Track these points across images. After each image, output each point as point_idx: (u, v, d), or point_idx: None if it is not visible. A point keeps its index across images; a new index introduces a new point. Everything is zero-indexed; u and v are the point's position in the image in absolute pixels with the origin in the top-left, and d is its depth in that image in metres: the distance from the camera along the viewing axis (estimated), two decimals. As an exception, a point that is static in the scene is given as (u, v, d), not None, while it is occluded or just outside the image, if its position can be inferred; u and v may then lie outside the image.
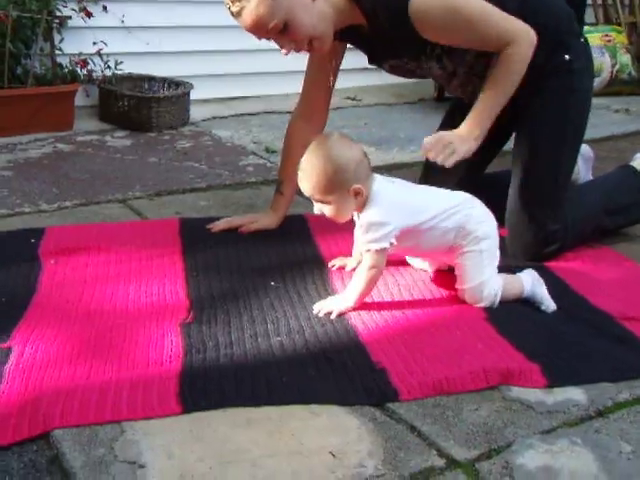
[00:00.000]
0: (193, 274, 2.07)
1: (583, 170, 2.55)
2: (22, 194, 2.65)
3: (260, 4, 1.89)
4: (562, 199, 2.20)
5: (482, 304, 1.92)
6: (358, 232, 1.91)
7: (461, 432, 1.48)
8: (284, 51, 1.99)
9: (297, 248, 2.25)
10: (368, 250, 1.86)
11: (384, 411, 1.53)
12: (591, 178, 2.54)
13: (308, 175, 1.85)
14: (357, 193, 1.84)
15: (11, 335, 1.72)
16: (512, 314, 1.90)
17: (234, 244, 2.26)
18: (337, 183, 1.83)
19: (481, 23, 1.98)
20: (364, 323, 1.82)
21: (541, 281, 1.98)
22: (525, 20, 2.07)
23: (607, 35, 4.79)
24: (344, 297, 1.90)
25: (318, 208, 1.91)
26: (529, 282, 1.96)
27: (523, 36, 2.00)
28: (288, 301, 1.93)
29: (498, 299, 1.93)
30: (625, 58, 4.75)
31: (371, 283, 1.88)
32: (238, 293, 1.97)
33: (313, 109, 2.32)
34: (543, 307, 1.94)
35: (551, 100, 2.17)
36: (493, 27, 1.99)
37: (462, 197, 1.95)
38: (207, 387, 1.56)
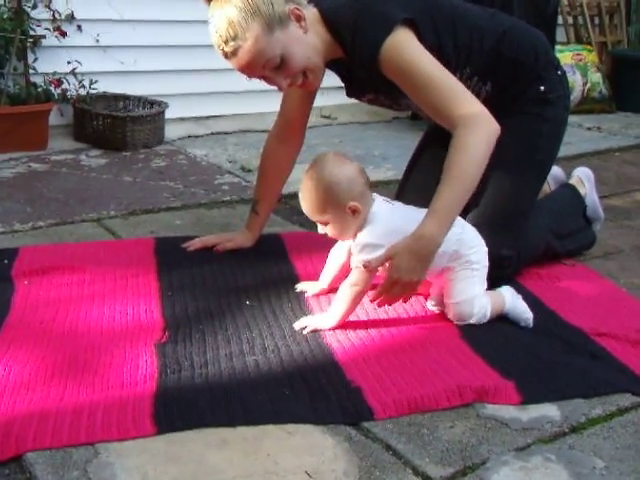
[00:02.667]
0: (168, 293, 2.06)
1: (589, 190, 2.52)
2: (-5, 214, 2.63)
3: (257, 40, 1.85)
4: (520, 226, 2.19)
5: (472, 320, 1.92)
6: (352, 250, 1.91)
7: (436, 450, 1.48)
8: (283, 86, 1.97)
9: (273, 267, 2.26)
10: (357, 267, 1.87)
11: (359, 430, 1.53)
12: (596, 198, 2.53)
13: (303, 196, 1.89)
14: (354, 211, 1.86)
15: (-17, 357, 1.71)
16: (486, 332, 1.91)
17: (209, 263, 2.26)
18: (329, 201, 1.85)
19: (435, 88, 1.90)
20: (339, 342, 1.83)
21: (519, 295, 2.00)
22: (502, 56, 2.11)
23: (578, 54, 4.86)
24: (328, 315, 1.90)
25: (321, 228, 1.94)
26: (509, 297, 1.98)
27: (480, 122, 1.88)
28: (263, 320, 1.93)
29: (488, 316, 1.94)
30: (596, 76, 4.83)
31: (354, 302, 1.89)
32: (213, 312, 1.96)
33: (290, 130, 2.32)
34: (523, 323, 1.96)
35: (522, 127, 2.17)
36: (446, 97, 1.90)
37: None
38: (182, 407, 1.55)
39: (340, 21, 1.97)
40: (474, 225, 2.04)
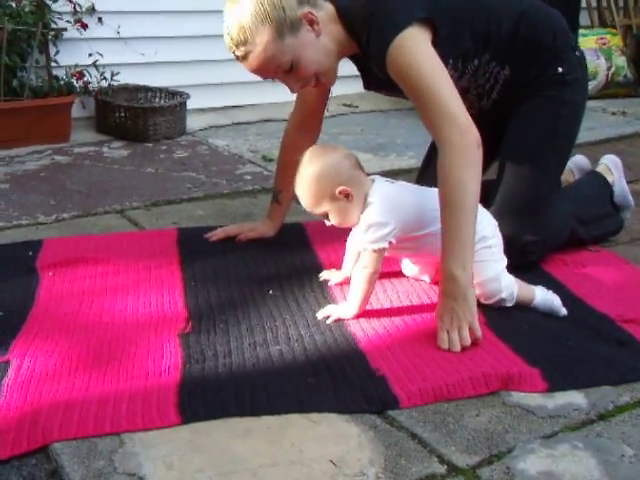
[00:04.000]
0: (191, 284, 2.07)
1: (617, 177, 2.48)
2: (20, 206, 2.64)
3: (267, 47, 1.84)
4: (543, 211, 2.17)
5: (502, 294, 1.91)
6: (358, 233, 1.91)
7: (462, 438, 1.47)
8: (295, 89, 1.98)
9: (295, 256, 2.25)
10: (365, 249, 1.86)
11: (384, 419, 1.52)
12: (625, 186, 2.49)
13: (299, 195, 1.91)
14: (346, 195, 1.85)
15: (9, 348, 1.72)
16: (511, 319, 1.90)
17: (232, 253, 2.26)
18: (319, 192, 1.86)
19: (430, 100, 1.84)
20: (363, 331, 1.82)
21: (554, 295, 1.96)
22: (520, 38, 2.08)
23: (602, 38, 4.80)
24: (348, 304, 1.90)
25: (326, 221, 1.94)
26: (540, 292, 1.96)
27: (459, 145, 1.80)
28: (287, 309, 1.92)
29: (515, 295, 1.92)
30: (620, 60, 4.76)
31: (369, 284, 1.87)
32: (236, 302, 1.96)
33: (308, 119, 2.31)
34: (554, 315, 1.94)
35: (541, 109, 2.15)
36: (437, 114, 1.84)
37: None
38: (206, 397, 1.56)
39: (355, 18, 1.95)
40: (496, 212, 2.03)
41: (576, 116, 2.23)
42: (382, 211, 1.86)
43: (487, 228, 1.94)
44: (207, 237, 2.35)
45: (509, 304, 1.93)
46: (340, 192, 1.85)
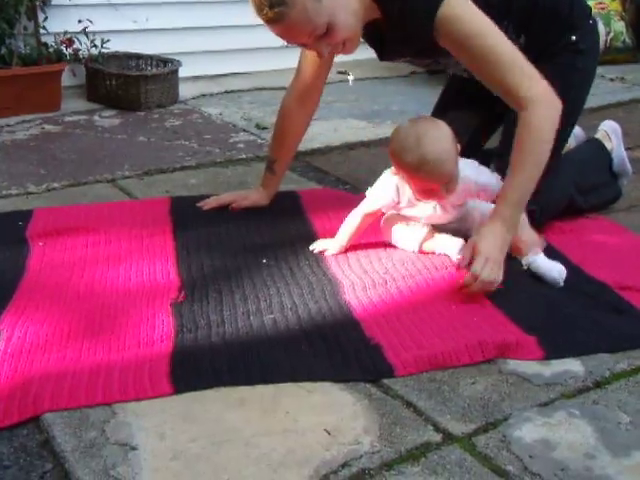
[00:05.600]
0: (184, 253, 2.04)
1: (616, 145, 2.47)
2: (9, 176, 2.61)
3: (305, 8, 1.75)
4: (544, 178, 2.15)
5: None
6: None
7: (457, 406, 1.46)
8: (325, 53, 1.90)
9: (289, 225, 2.22)
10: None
11: (379, 387, 1.51)
12: (623, 153, 2.47)
13: (440, 157, 1.84)
14: None
15: (0, 319, 1.69)
16: (508, 287, 1.87)
17: (225, 222, 2.23)
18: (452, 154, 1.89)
19: (499, 64, 1.86)
20: (358, 299, 1.80)
21: (558, 267, 1.94)
22: (539, 7, 2.05)
23: (601, 3, 4.73)
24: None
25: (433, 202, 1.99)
26: (543, 256, 1.96)
27: (538, 97, 1.86)
28: (281, 278, 1.90)
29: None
30: (619, 25, 4.70)
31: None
32: (230, 271, 1.94)
33: (308, 91, 2.26)
34: (550, 282, 1.92)
35: (553, 76, 2.11)
36: (510, 75, 1.86)
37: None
38: (199, 367, 1.54)
39: None
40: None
41: (586, 84, 2.22)
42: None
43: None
44: (200, 206, 2.32)
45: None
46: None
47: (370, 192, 2.02)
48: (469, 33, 1.84)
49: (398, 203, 1.99)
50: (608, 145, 2.45)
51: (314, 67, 2.21)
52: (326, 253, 2.04)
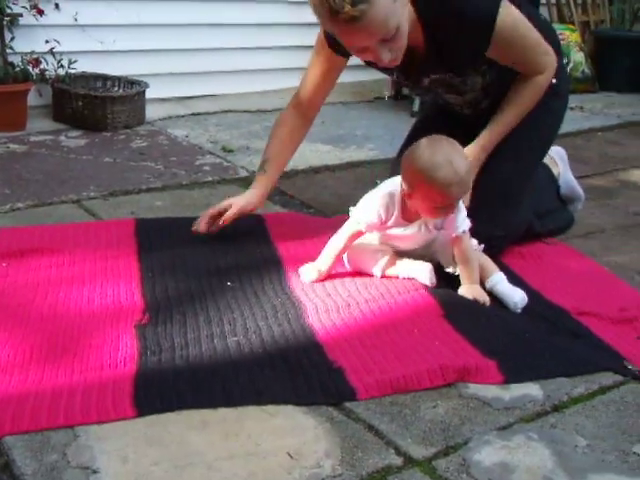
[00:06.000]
0: (149, 275, 2.04)
1: (563, 170, 2.55)
2: (-27, 195, 2.59)
3: (385, 6, 1.77)
4: (514, 208, 2.21)
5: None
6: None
7: (418, 430, 1.47)
8: (386, 60, 1.91)
9: (254, 248, 2.23)
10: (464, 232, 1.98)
11: (341, 410, 1.52)
12: (571, 177, 2.55)
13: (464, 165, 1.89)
14: None
15: (-39, 340, 1.68)
16: (469, 311, 1.91)
17: (191, 244, 2.23)
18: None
19: (532, 50, 2.09)
20: (321, 322, 1.81)
21: (518, 293, 1.98)
22: None
23: (561, 34, 4.82)
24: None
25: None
26: (501, 275, 2.00)
27: (552, 65, 2.14)
28: (245, 301, 1.91)
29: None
30: (579, 56, 4.82)
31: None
32: (194, 294, 1.94)
33: (309, 107, 2.30)
34: (512, 306, 1.95)
35: (528, 114, 2.19)
36: (540, 56, 2.11)
37: None
38: (162, 389, 1.54)
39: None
40: (473, 205, 2.07)
41: (557, 125, 2.34)
42: None
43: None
44: (194, 231, 2.25)
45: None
46: None
47: (355, 212, 2.00)
48: (522, 26, 2.04)
49: (385, 222, 1.99)
50: (555, 170, 2.52)
51: (319, 90, 2.25)
52: (308, 280, 2.02)
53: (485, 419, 1.52)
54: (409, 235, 2.01)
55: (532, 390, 1.63)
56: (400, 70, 2.15)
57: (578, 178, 2.65)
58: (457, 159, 1.86)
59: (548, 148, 2.37)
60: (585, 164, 3.27)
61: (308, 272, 2.03)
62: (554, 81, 2.21)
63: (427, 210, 1.93)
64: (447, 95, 2.25)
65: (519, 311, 1.94)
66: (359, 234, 2.02)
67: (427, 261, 2.03)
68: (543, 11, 4.86)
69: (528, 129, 2.19)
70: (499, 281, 1.98)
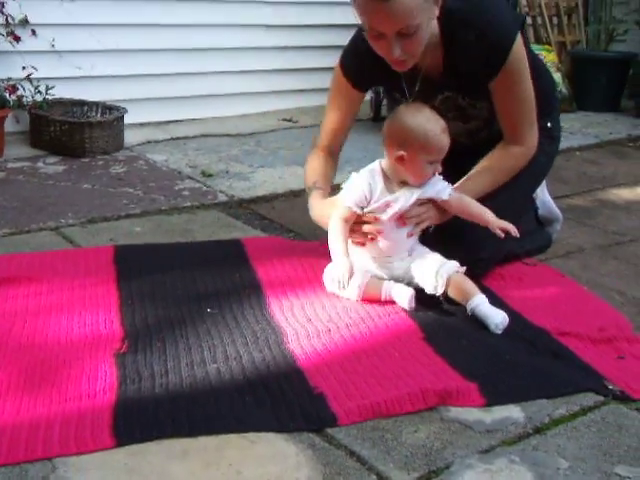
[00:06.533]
0: (128, 302, 2.03)
1: (540, 192, 2.57)
2: (-51, 224, 2.57)
3: None
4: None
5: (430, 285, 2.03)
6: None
7: (400, 455, 1.47)
8: (396, 54, 1.97)
9: (234, 274, 2.23)
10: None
11: (323, 437, 1.51)
12: (549, 199, 2.59)
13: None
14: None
15: (-64, 371, 1.66)
16: (449, 333, 1.91)
17: (170, 271, 2.22)
18: None
19: (526, 105, 2.13)
20: (302, 348, 1.81)
21: (499, 314, 1.97)
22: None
23: (538, 54, 4.88)
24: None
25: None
26: (481, 296, 2.00)
27: (533, 145, 2.18)
28: (225, 327, 1.90)
29: (443, 280, 2.01)
30: (556, 76, 4.86)
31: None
32: (174, 321, 1.93)
33: (335, 146, 2.38)
34: (492, 327, 1.94)
35: None
36: (528, 121, 2.15)
37: None
38: (142, 418, 1.52)
39: (454, 14, 2.02)
40: (462, 228, 2.11)
41: (548, 166, 2.40)
42: None
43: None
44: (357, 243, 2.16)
45: (439, 290, 2.02)
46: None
47: (341, 196, 2.09)
48: (522, 76, 2.08)
49: (370, 198, 2.05)
50: None
51: (342, 126, 2.36)
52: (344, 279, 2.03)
53: (467, 442, 1.52)
54: (395, 211, 2.05)
55: (513, 412, 1.63)
56: (415, 83, 2.19)
57: (557, 198, 2.67)
58: (435, 117, 2.02)
59: (537, 186, 2.43)
60: (564, 184, 3.30)
61: (340, 273, 2.02)
62: (549, 124, 2.29)
63: (418, 169, 2.02)
64: (452, 122, 2.25)
65: (500, 332, 1.94)
66: (352, 215, 2.07)
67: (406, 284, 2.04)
68: (519, 32, 4.91)
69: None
70: (480, 303, 1.98)
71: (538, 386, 1.71)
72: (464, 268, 2.05)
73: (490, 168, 2.17)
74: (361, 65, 2.17)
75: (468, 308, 1.99)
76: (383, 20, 1.91)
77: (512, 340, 1.91)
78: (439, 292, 2.01)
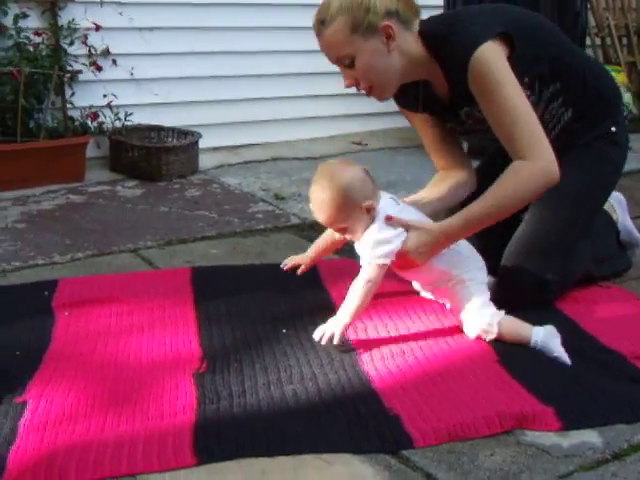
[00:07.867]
0: (205, 323, 2.08)
1: (621, 216, 2.54)
2: (35, 246, 2.67)
3: (335, 34, 1.97)
4: (568, 254, 2.19)
5: (478, 330, 1.95)
6: (363, 247, 1.96)
7: (477, 478, 1.47)
8: (346, 82, 2.06)
9: (308, 295, 2.26)
10: (370, 264, 1.92)
11: (398, 458, 1.53)
12: (630, 223, 2.53)
13: (320, 208, 1.94)
14: (369, 209, 1.92)
15: (26, 389, 1.73)
16: (524, 356, 1.90)
17: (246, 292, 2.27)
18: (348, 206, 1.91)
19: (511, 117, 1.95)
20: (376, 369, 1.83)
21: (557, 335, 1.94)
22: (587, 80, 2.15)
23: (608, 74, 4.83)
24: (340, 316, 1.93)
25: (339, 235, 2.03)
26: (540, 333, 1.94)
27: (542, 163, 1.94)
28: (300, 348, 1.94)
29: (495, 329, 1.94)
30: (626, 97, 4.78)
31: (367, 297, 1.93)
32: (250, 341, 1.98)
33: (446, 162, 2.30)
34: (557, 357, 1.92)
35: (588, 159, 2.20)
36: (522, 132, 1.95)
37: None
38: (221, 438, 1.56)
39: (435, 36, 2.03)
40: (523, 247, 2.11)
41: (617, 175, 2.32)
42: (390, 229, 1.93)
43: (468, 273, 1.99)
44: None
45: (490, 336, 1.95)
46: (366, 206, 1.91)
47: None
48: (492, 80, 1.95)
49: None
50: (613, 216, 2.50)
51: (435, 143, 2.31)
52: (299, 271, 2.16)
53: (544, 467, 1.51)
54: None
55: (591, 437, 1.61)
56: (440, 106, 2.18)
57: (631, 219, 2.62)
58: (321, 188, 1.94)
59: (607, 196, 2.34)
60: (635, 204, 3.23)
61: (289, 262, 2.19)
62: (613, 129, 2.22)
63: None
64: (482, 134, 2.23)
65: (568, 361, 1.89)
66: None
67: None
68: (589, 53, 4.87)
69: (585, 177, 2.20)
70: (538, 340, 1.93)
71: (616, 411, 1.69)
72: (502, 312, 1.99)
73: (491, 189, 1.97)
74: (397, 94, 2.16)
75: (531, 343, 1.94)
76: (324, 51, 2.04)
77: (587, 363, 1.89)
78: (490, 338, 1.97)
